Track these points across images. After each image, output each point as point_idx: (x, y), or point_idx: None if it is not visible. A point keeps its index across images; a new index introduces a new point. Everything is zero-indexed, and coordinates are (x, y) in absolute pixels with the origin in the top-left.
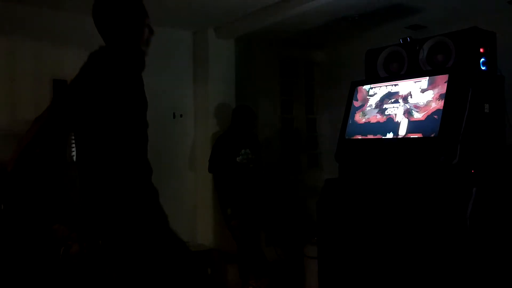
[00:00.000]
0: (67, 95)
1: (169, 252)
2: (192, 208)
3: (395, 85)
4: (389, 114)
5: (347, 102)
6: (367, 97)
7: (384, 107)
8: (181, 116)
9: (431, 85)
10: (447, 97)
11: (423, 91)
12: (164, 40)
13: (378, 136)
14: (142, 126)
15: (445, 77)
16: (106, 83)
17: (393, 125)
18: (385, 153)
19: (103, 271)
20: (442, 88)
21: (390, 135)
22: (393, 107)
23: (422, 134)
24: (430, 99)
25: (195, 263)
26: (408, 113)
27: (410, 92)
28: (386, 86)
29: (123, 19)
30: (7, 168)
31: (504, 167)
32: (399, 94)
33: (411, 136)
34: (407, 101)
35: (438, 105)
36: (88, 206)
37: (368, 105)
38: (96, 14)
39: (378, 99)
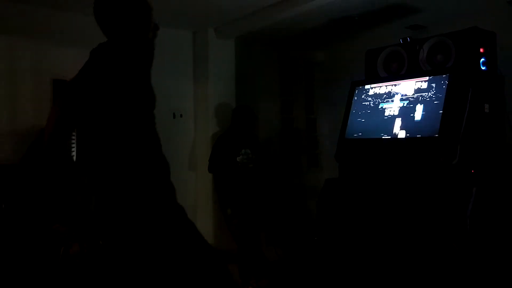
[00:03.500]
0: (73, 94)
1: (184, 252)
2: (192, 208)
3: (395, 85)
4: (389, 114)
5: (347, 102)
6: (367, 97)
7: (384, 107)
8: (181, 116)
9: (431, 85)
10: (447, 97)
11: (423, 91)
12: (164, 40)
13: (378, 136)
14: (150, 123)
15: (445, 77)
16: (113, 80)
17: (393, 125)
18: (385, 153)
19: (106, 270)
20: (442, 88)
21: (390, 135)
22: (393, 107)
23: (422, 134)
24: (430, 99)
25: (214, 262)
26: (408, 113)
27: (410, 92)
28: (386, 86)
29: (132, 12)
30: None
31: (504, 167)
32: (399, 94)
33: (411, 136)
34: (407, 101)
35: (438, 105)
36: (98, 205)
37: (368, 105)
38: (100, 9)
39: (378, 99)
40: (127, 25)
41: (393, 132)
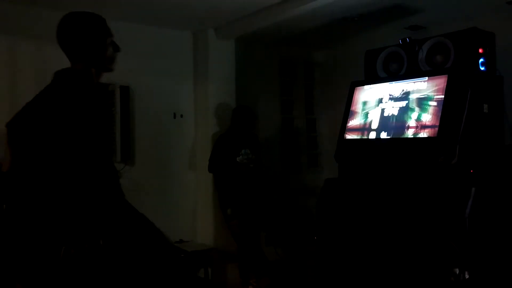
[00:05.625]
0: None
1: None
2: (192, 208)
3: (395, 85)
4: (389, 115)
5: (347, 102)
6: (367, 97)
7: (383, 108)
8: (181, 116)
9: (430, 86)
10: (446, 97)
11: (422, 91)
12: (164, 40)
13: (378, 136)
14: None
15: (444, 78)
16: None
17: (393, 125)
18: (385, 153)
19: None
20: (441, 89)
21: (389, 135)
22: (393, 107)
23: (422, 135)
24: (429, 99)
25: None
26: (407, 113)
27: (409, 92)
28: (385, 86)
29: (85, 40)
30: (3, 168)
31: (503, 167)
32: (399, 94)
33: (411, 136)
34: (406, 101)
35: (437, 105)
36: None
37: (367, 105)
38: (59, 35)
39: (378, 99)
40: (83, 50)
41: (393, 132)
